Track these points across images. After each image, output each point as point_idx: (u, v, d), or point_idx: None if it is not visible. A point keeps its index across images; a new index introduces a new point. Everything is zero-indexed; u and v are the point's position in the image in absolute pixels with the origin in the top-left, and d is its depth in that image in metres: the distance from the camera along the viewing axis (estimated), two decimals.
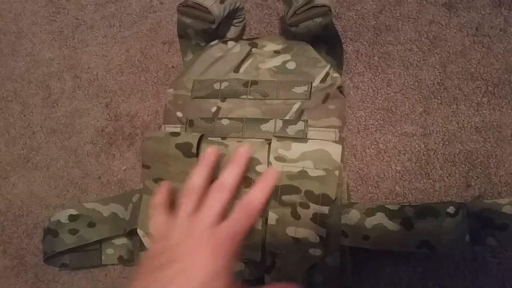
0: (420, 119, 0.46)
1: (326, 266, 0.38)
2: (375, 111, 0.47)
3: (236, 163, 0.36)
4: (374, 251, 0.38)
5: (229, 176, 0.35)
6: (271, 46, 0.46)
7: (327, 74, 0.44)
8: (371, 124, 0.47)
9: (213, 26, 0.45)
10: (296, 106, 0.43)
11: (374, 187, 0.45)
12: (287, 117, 0.43)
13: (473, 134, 0.44)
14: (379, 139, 0.46)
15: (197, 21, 0.45)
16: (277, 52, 0.46)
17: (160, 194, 0.38)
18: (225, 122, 0.44)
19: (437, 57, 0.47)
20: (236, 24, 0.50)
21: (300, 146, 0.39)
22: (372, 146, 0.46)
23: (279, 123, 0.43)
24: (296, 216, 0.38)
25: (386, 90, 0.47)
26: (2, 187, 0.56)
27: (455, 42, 0.47)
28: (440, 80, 0.46)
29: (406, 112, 0.46)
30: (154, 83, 0.54)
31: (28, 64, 0.59)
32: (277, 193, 0.39)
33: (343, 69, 0.48)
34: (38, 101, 0.58)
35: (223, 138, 0.43)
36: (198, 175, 0.36)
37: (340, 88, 0.44)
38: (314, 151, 0.39)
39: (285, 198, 0.38)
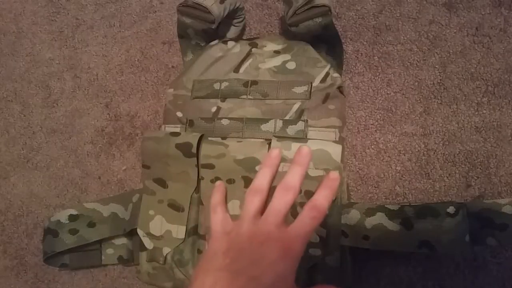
0: (420, 119, 0.46)
1: (326, 266, 0.38)
2: (375, 111, 0.47)
3: (299, 164, 0.35)
4: (374, 251, 0.38)
5: (294, 177, 0.34)
6: (271, 46, 0.46)
7: (327, 74, 0.44)
8: (371, 124, 0.47)
9: (213, 26, 0.45)
10: (296, 106, 0.43)
11: (374, 187, 0.45)
12: (287, 117, 0.43)
13: (473, 134, 0.44)
14: (379, 139, 0.46)
15: (197, 21, 0.45)
16: (277, 52, 0.46)
17: (219, 192, 0.38)
18: (225, 122, 0.44)
19: (437, 57, 0.47)
20: (236, 24, 0.50)
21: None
22: (372, 146, 0.46)
23: (279, 123, 0.43)
24: (296, 216, 0.38)
25: (386, 90, 0.47)
26: (2, 187, 0.56)
27: (455, 42, 0.47)
28: (440, 80, 0.46)
29: (406, 112, 0.46)
30: (154, 83, 0.54)
31: (28, 64, 0.59)
32: None
33: (343, 69, 0.48)
34: (38, 101, 0.58)
35: (223, 138, 0.43)
36: (263, 176, 0.35)
37: (340, 88, 0.44)
38: (314, 151, 0.39)
39: None
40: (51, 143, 0.56)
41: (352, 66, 0.49)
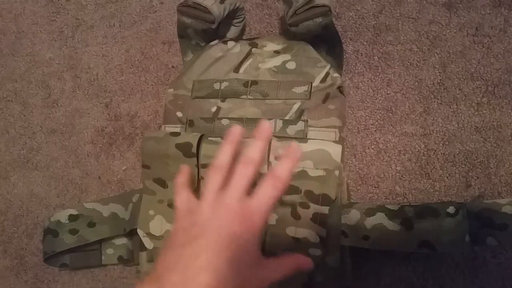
0: (420, 119, 0.46)
1: (326, 266, 0.38)
2: (375, 111, 0.47)
3: (261, 138, 0.36)
4: (374, 251, 0.38)
5: (255, 151, 0.35)
6: (271, 46, 0.46)
7: (327, 74, 0.44)
8: (371, 124, 0.47)
9: (213, 26, 0.45)
10: (296, 106, 0.43)
11: (374, 187, 0.45)
12: (287, 117, 0.43)
13: (473, 134, 0.44)
14: (379, 139, 0.46)
15: (197, 21, 0.45)
16: (277, 52, 0.46)
17: (183, 174, 0.38)
18: (225, 122, 0.44)
19: (437, 57, 0.47)
20: (236, 24, 0.50)
21: (300, 146, 0.39)
22: (372, 146, 0.46)
23: (279, 123, 0.43)
24: (296, 216, 0.38)
25: (386, 90, 0.47)
26: (2, 187, 0.56)
27: (455, 42, 0.47)
28: (440, 80, 0.46)
29: (406, 112, 0.46)
30: (154, 83, 0.54)
31: (28, 64, 0.59)
32: None
33: (343, 69, 0.48)
34: (38, 101, 0.58)
35: (223, 138, 0.43)
36: (224, 152, 0.35)
37: (340, 88, 0.44)
38: (314, 151, 0.39)
39: (285, 198, 0.38)
40: (51, 143, 0.56)
41: (352, 66, 0.49)
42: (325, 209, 0.38)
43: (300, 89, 0.44)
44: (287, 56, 0.45)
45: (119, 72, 0.56)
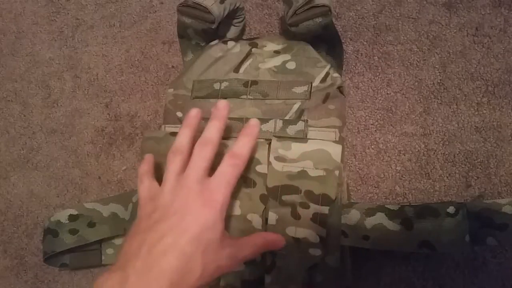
0: (420, 119, 0.46)
1: (326, 266, 0.38)
2: (375, 111, 0.47)
3: (216, 118, 0.36)
4: (374, 251, 0.38)
5: (211, 131, 0.35)
6: (271, 46, 0.46)
7: (327, 74, 0.44)
8: (371, 124, 0.47)
9: (213, 26, 0.45)
10: (296, 106, 0.43)
11: (374, 187, 0.45)
12: (287, 117, 0.43)
13: (473, 134, 0.44)
14: (379, 139, 0.46)
15: (197, 21, 0.45)
16: (277, 52, 0.46)
17: (146, 163, 0.38)
18: None
19: (437, 57, 0.47)
20: (236, 24, 0.50)
21: (300, 146, 0.39)
22: (372, 146, 0.46)
23: (279, 123, 0.43)
24: (296, 216, 0.38)
25: (386, 90, 0.47)
26: (2, 187, 0.56)
27: (455, 42, 0.47)
28: (440, 80, 0.46)
29: (406, 112, 0.46)
30: (154, 83, 0.54)
31: (28, 64, 0.59)
32: (277, 193, 0.39)
33: (343, 69, 0.48)
34: (38, 101, 0.58)
35: (224, 138, 0.43)
36: (182, 135, 0.36)
37: (340, 88, 0.44)
38: (314, 151, 0.39)
39: (285, 198, 0.38)
40: (51, 143, 0.56)
41: (352, 66, 0.49)
42: (325, 209, 0.38)
43: (300, 89, 0.44)
44: (287, 56, 0.45)
45: (119, 72, 0.56)
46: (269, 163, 0.40)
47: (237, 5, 0.47)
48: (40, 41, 0.60)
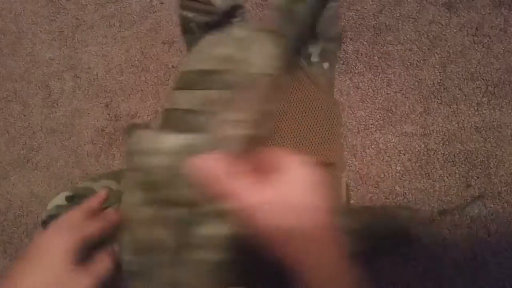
0: (420, 119, 0.46)
1: None
2: (375, 111, 0.47)
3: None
4: (373, 251, 0.38)
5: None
6: None
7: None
8: (371, 124, 0.47)
9: (216, 18, 0.45)
10: None
11: (374, 187, 0.45)
12: None
13: (473, 134, 0.44)
14: (379, 139, 0.46)
15: (200, 14, 0.45)
16: None
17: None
18: None
19: (437, 57, 0.47)
20: (237, 23, 0.50)
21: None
22: (372, 146, 0.46)
23: None
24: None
25: (386, 90, 0.47)
26: (2, 187, 0.56)
27: (455, 42, 0.47)
28: (440, 80, 0.46)
29: (406, 112, 0.46)
30: (154, 83, 0.54)
31: (28, 64, 0.59)
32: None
33: (343, 69, 0.48)
34: (38, 101, 0.58)
35: None
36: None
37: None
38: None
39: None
40: (51, 143, 0.56)
41: (352, 66, 0.49)
42: None
43: None
44: None
45: (119, 72, 0.56)
46: None
47: (237, 0, 0.47)
48: (40, 41, 0.60)
